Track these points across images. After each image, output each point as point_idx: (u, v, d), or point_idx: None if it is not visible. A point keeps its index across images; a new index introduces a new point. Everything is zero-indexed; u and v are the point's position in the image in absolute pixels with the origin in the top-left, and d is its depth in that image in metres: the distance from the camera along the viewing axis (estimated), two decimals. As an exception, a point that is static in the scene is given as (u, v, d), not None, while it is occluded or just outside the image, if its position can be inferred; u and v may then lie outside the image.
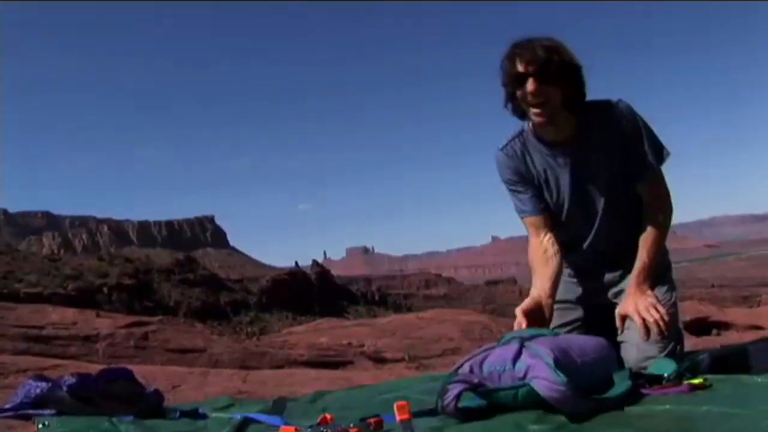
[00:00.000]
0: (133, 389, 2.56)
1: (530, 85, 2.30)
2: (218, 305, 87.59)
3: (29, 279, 71.89)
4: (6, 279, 69.25)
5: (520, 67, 2.31)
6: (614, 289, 2.71)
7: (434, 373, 4.06)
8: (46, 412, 2.37)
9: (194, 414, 2.52)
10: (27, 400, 2.44)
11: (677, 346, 2.50)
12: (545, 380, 1.82)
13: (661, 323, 2.37)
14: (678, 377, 2.10)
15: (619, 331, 2.51)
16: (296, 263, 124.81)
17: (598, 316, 2.72)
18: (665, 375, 2.12)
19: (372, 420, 1.91)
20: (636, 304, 2.44)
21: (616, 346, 2.53)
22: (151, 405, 2.53)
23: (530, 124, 2.53)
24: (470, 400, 1.98)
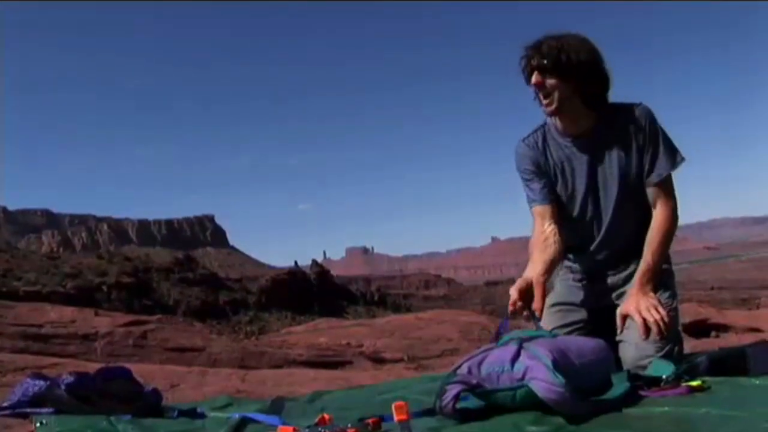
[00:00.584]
0: (131, 388, 2.55)
1: (534, 77, 2.44)
2: (217, 304, 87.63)
3: (28, 277, 71.92)
4: (5, 277, 69.29)
5: (528, 63, 2.45)
6: (617, 292, 2.72)
7: (433, 374, 4.07)
8: (44, 410, 2.37)
9: (192, 413, 2.52)
10: (25, 399, 2.43)
11: (676, 348, 2.51)
12: (543, 381, 1.82)
13: (661, 324, 2.39)
14: (676, 379, 2.10)
15: (618, 331, 2.53)
16: (296, 263, 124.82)
17: (599, 319, 2.73)
18: (664, 377, 2.12)
19: (370, 420, 1.91)
20: (638, 304, 2.45)
21: (615, 348, 2.54)
22: (149, 404, 2.53)
23: (553, 118, 2.60)
24: (468, 401, 1.99)
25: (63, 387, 2.41)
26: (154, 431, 2.23)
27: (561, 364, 1.87)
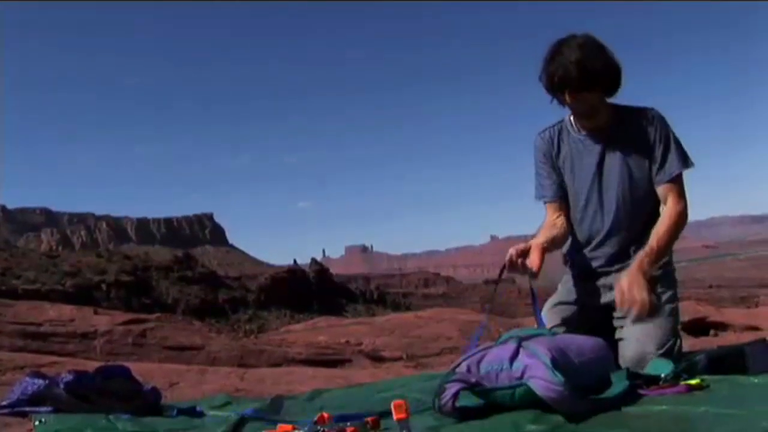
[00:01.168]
0: (130, 387, 2.56)
1: (568, 98, 2.56)
2: (217, 303, 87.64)
3: (27, 275, 71.94)
4: (4, 275, 69.31)
5: (557, 82, 2.54)
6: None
7: (432, 372, 4.06)
8: (43, 409, 2.37)
9: (191, 412, 2.52)
10: (24, 397, 2.43)
11: (675, 346, 2.52)
12: (542, 380, 1.83)
13: (640, 306, 2.41)
14: (675, 378, 2.11)
15: (616, 304, 2.52)
16: (295, 261, 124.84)
17: (599, 317, 2.74)
18: (662, 375, 2.12)
19: (369, 419, 1.91)
20: (630, 280, 2.46)
21: (615, 346, 2.55)
22: (148, 402, 2.53)
23: (570, 114, 2.75)
24: (467, 400, 1.99)
25: (62, 386, 2.41)
26: (153, 429, 2.23)
27: (560, 362, 1.87)
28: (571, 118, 2.76)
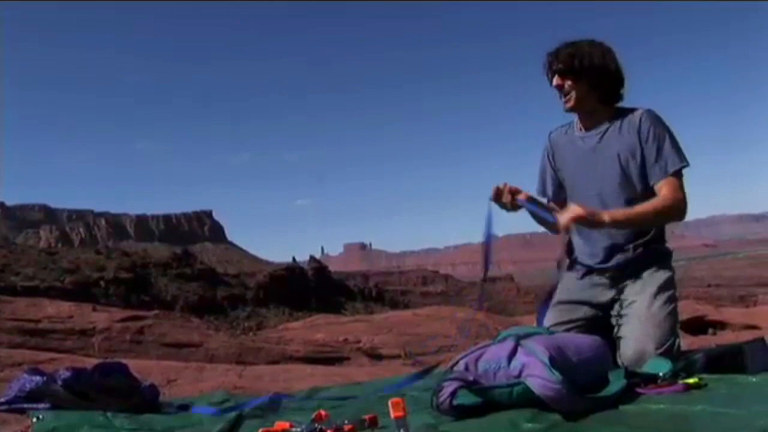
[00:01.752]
0: (128, 384, 2.55)
1: (555, 80, 2.74)
2: (215, 300, 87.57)
3: (26, 272, 71.88)
4: (3, 272, 69.25)
5: (549, 67, 2.76)
6: (619, 286, 2.75)
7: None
8: (41, 405, 2.37)
9: (187, 408, 2.52)
10: (22, 394, 2.43)
11: (674, 345, 2.52)
12: (540, 378, 1.83)
13: (568, 217, 2.44)
14: (673, 376, 2.11)
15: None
16: (294, 259, 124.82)
17: (597, 316, 2.75)
18: (660, 374, 2.12)
19: (367, 417, 1.91)
20: (580, 209, 2.46)
21: (614, 345, 2.56)
22: (146, 399, 2.53)
23: (575, 114, 2.85)
24: (465, 398, 1.99)
25: (60, 382, 2.40)
26: (150, 427, 2.23)
27: (558, 360, 1.87)
28: (577, 119, 2.85)
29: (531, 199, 2.67)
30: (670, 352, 2.48)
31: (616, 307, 2.70)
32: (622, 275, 2.73)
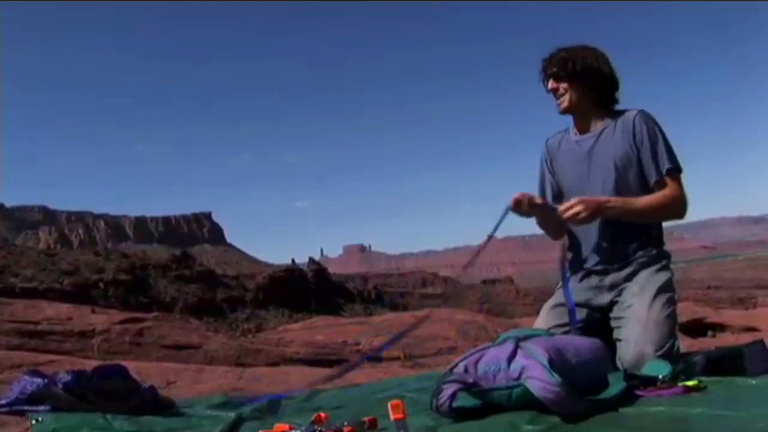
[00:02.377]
0: (128, 386, 2.56)
1: (550, 84, 2.79)
2: (214, 302, 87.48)
3: (25, 274, 71.85)
4: (2, 273, 69.21)
5: (544, 71, 2.81)
6: (618, 289, 2.74)
7: (429, 372, 4.06)
8: (41, 408, 2.37)
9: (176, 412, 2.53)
10: (23, 396, 2.43)
11: (673, 347, 2.52)
12: (540, 381, 1.83)
13: (568, 213, 2.53)
14: (672, 379, 2.11)
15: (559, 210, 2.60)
16: (293, 260, 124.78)
17: (596, 318, 2.75)
18: (660, 376, 2.12)
19: (366, 419, 1.91)
20: (581, 200, 2.54)
21: (613, 347, 2.56)
22: (146, 401, 2.53)
23: (572, 118, 2.89)
24: (465, 400, 1.99)
25: (60, 385, 2.41)
26: (150, 429, 2.23)
27: (557, 363, 1.87)
28: (573, 123, 2.89)
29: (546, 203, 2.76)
30: (669, 354, 2.48)
31: (615, 309, 2.70)
32: (621, 277, 2.74)
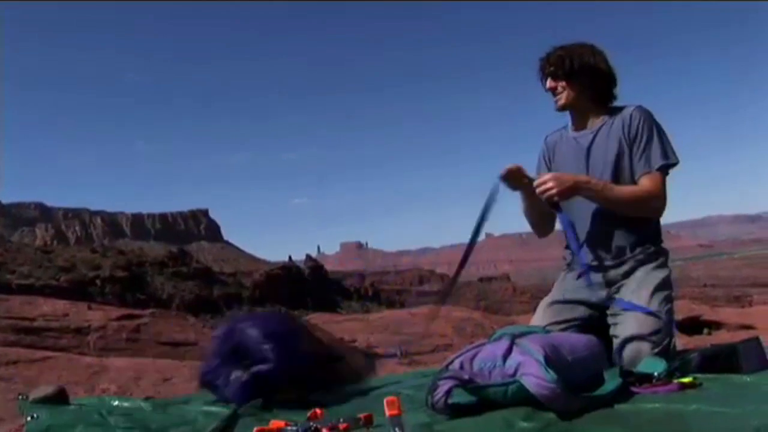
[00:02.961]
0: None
1: (548, 83, 2.81)
2: (211, 299, 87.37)
3: (21, 270, 71.68)
4: (-2, 270, 69.01)
5: (542, 70, 2.84)
6: (615, 286, 2.75)
7: (425, 369, 4.06)
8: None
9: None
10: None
11: (669, 345, 2.53)
12: (535, 377, 1.83)
13: (542, 188, 2.56)
14: (668, 376, 2.12)
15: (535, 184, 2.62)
16: (290, 257, 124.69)
17: (593, 315, 2.75)
18: (655, 374, 2.13)
19: (362, 415, 1.91)
20: (558, 175, 2.60)
21: (609, 344, 2.56)
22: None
23: (570, 114, 2.90)
24: (460, 397, 1.99)
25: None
26: (145, 424, 2.23)
27: (553, 359, 1.87)
28: (571, 120, 2.90)
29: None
30: (665, 351, 2.48)
31: (612, 306, 2.70)
32: (618, 275, 2.74)
